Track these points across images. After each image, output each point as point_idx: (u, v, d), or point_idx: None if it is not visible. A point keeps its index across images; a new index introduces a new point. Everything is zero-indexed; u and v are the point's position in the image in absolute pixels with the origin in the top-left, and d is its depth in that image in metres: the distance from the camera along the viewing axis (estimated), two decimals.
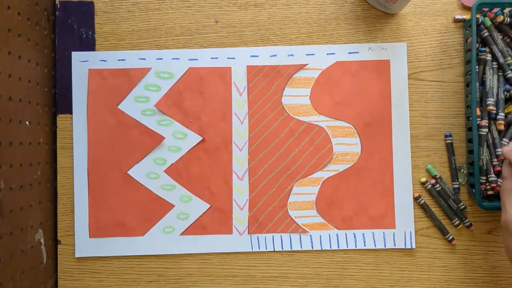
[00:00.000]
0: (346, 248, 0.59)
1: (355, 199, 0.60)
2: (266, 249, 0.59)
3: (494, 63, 0.57)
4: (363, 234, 0.59)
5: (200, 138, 0.60)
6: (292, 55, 0.61)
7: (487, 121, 0.56)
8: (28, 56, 0.55)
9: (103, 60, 0.61)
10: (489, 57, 0.57)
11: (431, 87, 0.60)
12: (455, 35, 0.61)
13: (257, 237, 0.60)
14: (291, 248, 0.59)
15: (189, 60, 0.61)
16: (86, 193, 0.60)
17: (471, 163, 0.57)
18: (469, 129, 0.58)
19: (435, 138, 0.60)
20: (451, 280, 0.59)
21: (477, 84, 0.56)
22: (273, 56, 0.61)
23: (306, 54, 0.61)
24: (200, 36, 0.61)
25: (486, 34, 0.57)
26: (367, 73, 0.60)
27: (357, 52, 0.61)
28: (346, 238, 0.59)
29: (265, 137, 0.60)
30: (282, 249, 0.59)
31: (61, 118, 0.61)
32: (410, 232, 0.59)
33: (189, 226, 0.60)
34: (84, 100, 0.60)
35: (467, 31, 0.59)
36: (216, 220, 0.60)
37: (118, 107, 0.60)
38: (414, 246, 0.59)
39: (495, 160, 0.56)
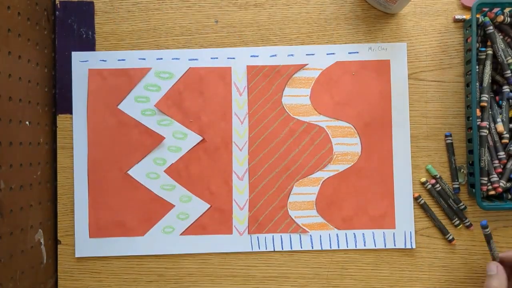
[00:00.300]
0: (346, 248, 0.59)
1: (355, 199, 0.59)
2: (266, 249, 0.59)
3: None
4: (363, 234, 0.59)
5: (200, 138, 0.60)
6: (292, 55, 0.61)
7: (487, 122, 0.56)
8: (28, 56, 0.55)
9: (103, 60, 0.61)
10: (490, 51, 0.57)
11: (431, 87, 0.60)
12: (455, 35, 0.61)
13: (257, 237, 0.60)
14: (291, 248, 0.59)
15: (189, 60, 0.61)
16: (86, 193, 0.60)
17: (471, 163, 0.57)
18: (469, 129, 0.58)
19: (435, 138, 0.60)
20: (451, 280, 0.59)
21: (477, 84, 0.56)
22: (273, 56, 0.61)
23: (306, 54, 0.61)
24: (200, 36, 0.61)
25: (491, 30, 0.56)
26: (367, 73, 0.60)
27: (357, 52, 0.61)
28: (346, 238, 0.59)
29: (265, 137, 0.60)
30: (282, 249, 0.59)
31: (61, 118, 0.61)
32: (410, 232, 0.59)
33: (189, 226, 0.60)
34: (84, 100, 0.60)
35: (467, 31, 0.59)
36: (216, 220, 0.60)
37: (118, 107, 0.60)
38: (414, 246, 0.59)
39: (496, 162, 0.56)
